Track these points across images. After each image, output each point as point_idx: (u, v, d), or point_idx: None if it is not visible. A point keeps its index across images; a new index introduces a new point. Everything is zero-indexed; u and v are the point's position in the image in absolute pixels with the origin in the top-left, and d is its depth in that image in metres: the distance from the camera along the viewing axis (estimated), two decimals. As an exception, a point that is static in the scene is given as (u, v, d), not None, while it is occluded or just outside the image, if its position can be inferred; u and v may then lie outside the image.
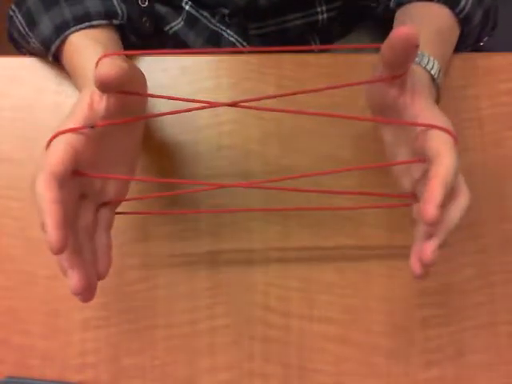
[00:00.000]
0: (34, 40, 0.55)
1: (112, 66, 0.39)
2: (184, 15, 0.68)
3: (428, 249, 0.40)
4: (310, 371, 0.53)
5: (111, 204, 0.45)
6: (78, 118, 0.41)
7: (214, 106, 0.44)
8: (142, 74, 0.46)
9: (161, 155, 0.57)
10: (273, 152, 0.57)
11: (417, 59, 0.49)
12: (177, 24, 0.69)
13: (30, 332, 0.54)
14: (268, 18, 0.66)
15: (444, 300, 0.54)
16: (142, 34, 0.60)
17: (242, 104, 0.42)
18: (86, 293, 0.40)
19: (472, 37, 0.60)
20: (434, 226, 0.40)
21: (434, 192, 0.39)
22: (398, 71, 0.42)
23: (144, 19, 0.61)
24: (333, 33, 0.72)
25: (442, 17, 0.55)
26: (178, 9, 0.69)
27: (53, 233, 0.37)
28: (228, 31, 0.68)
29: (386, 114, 0.46)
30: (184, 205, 0.56)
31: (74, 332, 0.54)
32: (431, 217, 0.38)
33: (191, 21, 0.68)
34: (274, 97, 0.42)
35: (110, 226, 0.45)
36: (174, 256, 0.55)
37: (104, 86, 0.40)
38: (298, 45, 0.69)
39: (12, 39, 0.59)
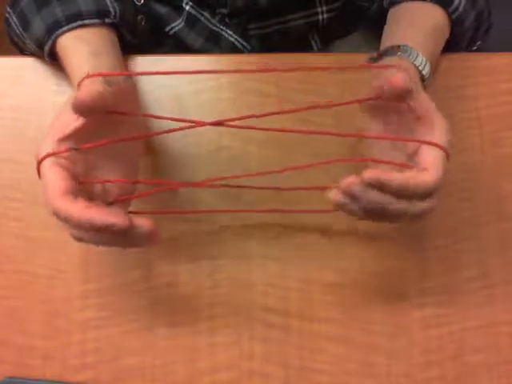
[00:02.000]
0: (28, 41, 0.55)
1: (90, 92, 0.39)
2: (184, 15, 0.68)
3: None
4: (310, 371, 0.53)
5: (117, 202, 0.45)
6: (56, 137, 0.42)
7: (200, 126, 0.45)
8: (134, 89, 0.46)
9: (162, 156, 0.57)
10: (273, 153, 0.57)
11: (410, 57, 0.50)
12: (177, 24, 0.69)
13: (30, 332, 0.54)
14: (268, 18, 0.67)
15: (444, 300, 0.54)
16: (137, 33, 0.60)
17: (228, 123, 0.44)
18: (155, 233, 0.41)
19: (465, 39, 0.60)
20: (362, 184, 0.40)
21: (390, 179, 0.40)
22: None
23: (140, 17, 0.61)
24: (333, 33, 0.72)
25: (435, 17, 0.55)
26: (179, 9, 0.69)
27: (117, 223, 0.38)
28: (228, 31, 0.68)
29: (382, 109, 0.46)
30: (184, 205, 0.56)
31: (74, 332, 0.54)
32: (367, 178, 0.40)
33: (191, 21, 0.68)
34: (253, 116, 0.43)
35: None
36: (174, 256, 0.55)
37: (81, 113, 0.40)
38: (298, 45, 0.69)
39: (13, 42, 0.59)
